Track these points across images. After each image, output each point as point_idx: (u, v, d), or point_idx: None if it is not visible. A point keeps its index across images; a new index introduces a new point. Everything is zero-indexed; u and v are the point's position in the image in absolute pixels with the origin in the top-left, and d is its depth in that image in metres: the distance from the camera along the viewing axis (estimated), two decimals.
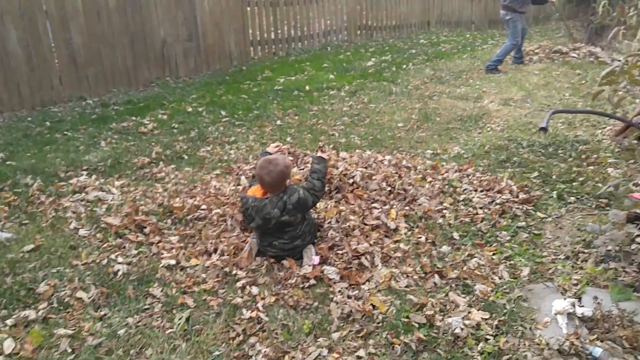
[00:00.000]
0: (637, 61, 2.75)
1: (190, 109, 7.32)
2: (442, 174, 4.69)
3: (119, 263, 3.44)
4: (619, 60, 2.79)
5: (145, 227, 3.87)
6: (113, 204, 4.31)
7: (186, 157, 5.58)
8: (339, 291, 3.10)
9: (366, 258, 3.39)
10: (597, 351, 2.52)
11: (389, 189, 4.28)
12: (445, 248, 3.58)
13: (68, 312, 2.99)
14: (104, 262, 3.47)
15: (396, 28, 13.79)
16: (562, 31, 13.96)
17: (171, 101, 7.76)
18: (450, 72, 9.35)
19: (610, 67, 2.78)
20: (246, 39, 10.60)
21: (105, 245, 3.68)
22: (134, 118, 6.87)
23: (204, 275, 3.31)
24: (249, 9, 10.49)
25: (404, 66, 9.97)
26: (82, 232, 3.87)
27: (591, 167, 4.77)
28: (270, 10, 10.92)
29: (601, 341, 2.61)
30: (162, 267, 3.40)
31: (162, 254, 3.56)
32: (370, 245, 3.52)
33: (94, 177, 4.89)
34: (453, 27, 15.03)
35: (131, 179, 4.95)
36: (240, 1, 10.26)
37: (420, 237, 3.66)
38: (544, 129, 2.60)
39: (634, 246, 3.44)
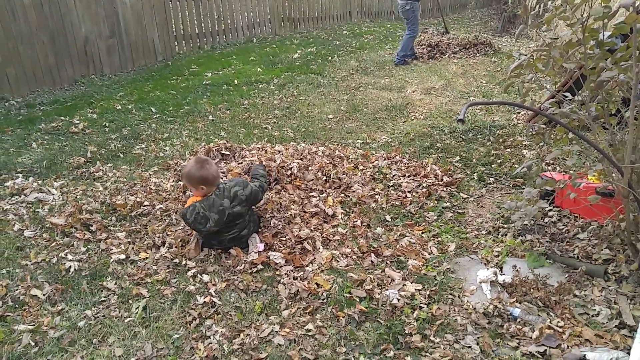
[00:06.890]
0: (540, 55, 3.09)
1: (119, 107, 7.30)
2: (373, 162, 4.98)
3: (70, 260, 3.53)
4: (525, 55, 3.12)
5: (91, 225, 3.95)
6: (55, 204, 4.35)
7: (121, 155, 5.63)
8: (285, 274, 3.33)
9: (308, 242, 3.63)
10: (516, 311, 2.88)
11: (324, 178, 4.53)
12: (379, 230, 3.87)
13: (24, 309, 3.08)
14: (54, 260, 3.56)
15: (319, 19, 13.98)
16: (478, 19, 14.58)
17: (99, 99, 7.69)
18: (374, 63, 9.64)
19: (518, 61, 3.12)
20: (170, 34, 10.53)
21: (53, 245, 3.75)
22: (62, 118, 6.80)
23: (154, 267, 3.46)
24: (171, 2, 10.41)
25: (330, 58, 10.20)
26: (27, 233, 3.91)
27: (508, 150, 5.19)
28: (192, 3, 10.88)
29: (519, 302, 2.96)
30: (112, 261, 3.52)
31: (111, 249, 3.67)
32: (311, 230, 3.77)
33: (30, 179, 4.88)
34: (374, 17, 15.36)
35: (69, 179, 4.97)
36: None
37: (356, 221, 3.95)
38: (462, 121, 2.86)
39: (546, 219, 3.86)
